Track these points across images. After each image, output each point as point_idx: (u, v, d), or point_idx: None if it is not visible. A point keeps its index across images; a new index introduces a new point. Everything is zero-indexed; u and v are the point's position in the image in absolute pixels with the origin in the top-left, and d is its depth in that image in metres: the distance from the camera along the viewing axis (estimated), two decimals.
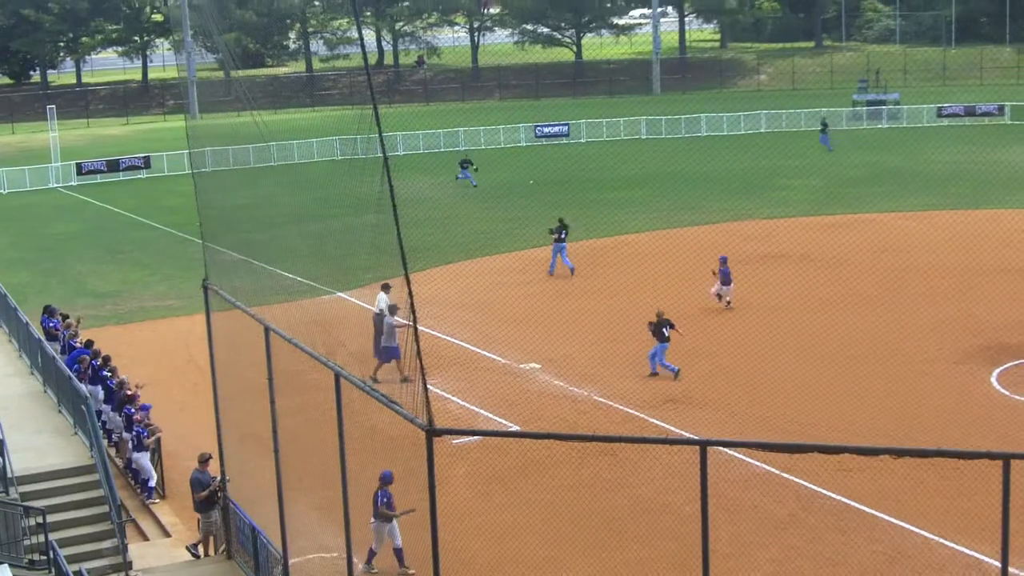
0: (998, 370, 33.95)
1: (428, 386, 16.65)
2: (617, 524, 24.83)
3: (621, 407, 31.93)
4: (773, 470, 27.13)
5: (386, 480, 23.17)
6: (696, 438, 20.54)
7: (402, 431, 18.17)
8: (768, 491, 26.40)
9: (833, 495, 26.09)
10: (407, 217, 16.12)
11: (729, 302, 40.83)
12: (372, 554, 23.20)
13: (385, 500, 22.95)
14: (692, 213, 57.98)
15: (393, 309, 34.25)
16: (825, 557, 23.53)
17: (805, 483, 26.58)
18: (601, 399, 32.62)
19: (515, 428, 30.69)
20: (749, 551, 23.50)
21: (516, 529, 24.04)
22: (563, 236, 47.89)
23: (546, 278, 46.29)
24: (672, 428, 30.04)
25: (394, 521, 22.92)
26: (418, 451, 16.63)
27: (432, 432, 16.38)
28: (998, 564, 14.99)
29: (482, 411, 32.19)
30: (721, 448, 24.64)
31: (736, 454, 26.91)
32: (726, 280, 40.72)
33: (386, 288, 35.16)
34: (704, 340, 36.36)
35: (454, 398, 33.06)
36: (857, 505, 25.57)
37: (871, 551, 23.70)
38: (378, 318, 34.90)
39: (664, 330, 34.23)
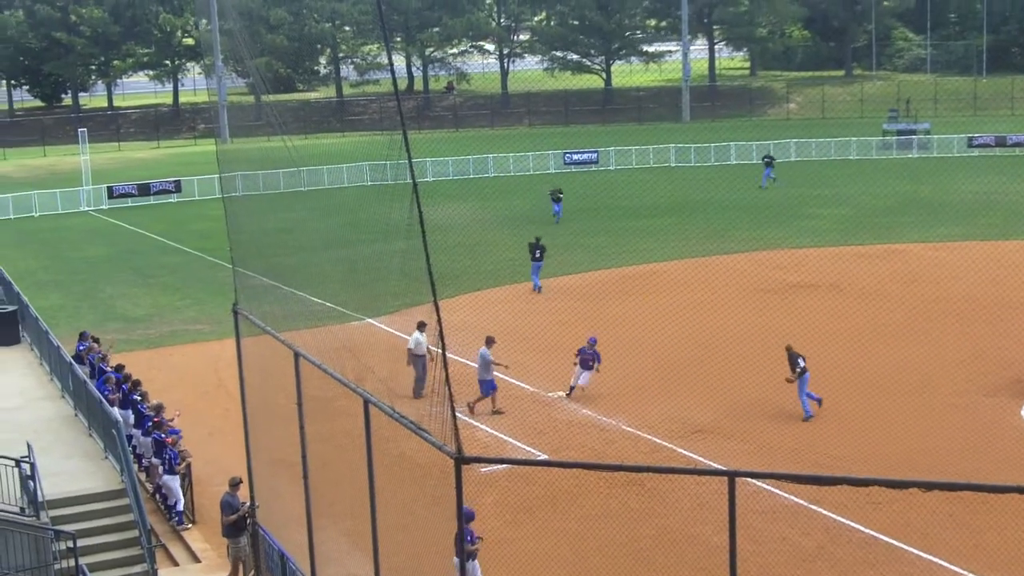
0: None
1: (456, 413, 16.71)
2: (644, 555, 24.81)
3: (649, 437, 31.92)
4: (801, 502, 27.06)
5: (468, 517, 22.99)
6: (724, 469, 20.56)
7: (431, 459, 18.17)
8: (796, 523, 26.35)
9: (861, 528, 26.00)
10: (436, 243, 16.19)
11: (582, 388, 35.38)
12: None
13: (469, 538, 22.70)
14: (721, 242, 57.99)
15: (490, 341, 34.67)
16: None
17: (833, 515, 26.51)
18: (629, 428, 32.61)
19: (543, 457, 30.71)
20: None
21: (544, 558, 24.03)
22: (538, 255, 49.18)
23: (575, 304, 46.26)
24: (700, 459, 30.01)
25: (475, 562, 22.64)
26: (446, 479, 16.65)
27: (461, 460, 16.40)
28: None
29: (511, 439, 32.23)
30: (749, 479, 24.65)
31: (764, 485, 26.89)
32: (587, 364, 35.26)
33: (421, 327, 35.29)
34: (732, 371, 36.31)
35: (482, 426, 33.12)
36: (885, 538, 25.47)
37: None
38: (413, 356, 35.06)
39: (799, 362, 33.61)
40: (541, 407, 34.60)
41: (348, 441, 20.59)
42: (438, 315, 16.08)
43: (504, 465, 28.19)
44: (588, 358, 35.13)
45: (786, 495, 27.23)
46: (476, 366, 34.44)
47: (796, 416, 33.01)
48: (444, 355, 17.56)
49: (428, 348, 34.75)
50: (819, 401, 33.44)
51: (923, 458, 29.32)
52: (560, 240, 59.28)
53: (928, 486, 16.53)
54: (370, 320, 41.51)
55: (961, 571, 23.95)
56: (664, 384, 35.78)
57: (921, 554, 24.70)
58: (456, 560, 22.45)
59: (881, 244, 56.97)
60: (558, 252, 55.21)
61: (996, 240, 54.38)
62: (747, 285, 47.30)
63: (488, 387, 34.45)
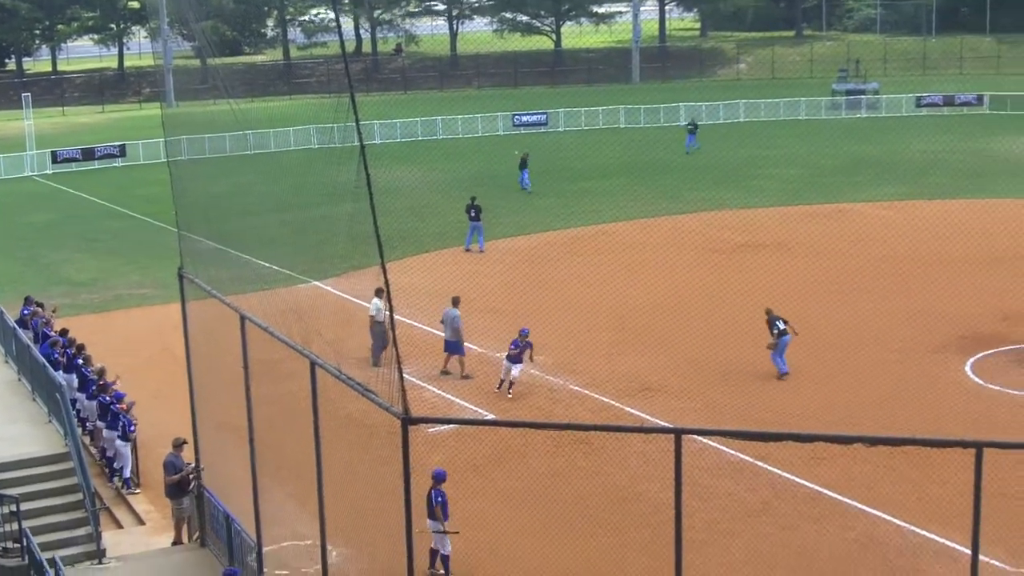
0: (972, 359, 34.10)
1: (404, 375, 16.70)
2: (591, 512, 24.88)
3: (597, 396, 32.00)
4: (747, 458, 27.23)
5: (439, 479, 22.96)
6: (671, 426, 20.63)
7: (378, 420, 18.19)
8: (742, 479, 26.52)
9: (806, 483, 26.20)
10: (383, 206, 16.12)
11: (511, 384, 32.58)
12: (434, 555, 23.05)
13: (440, 500, 22.73)
14: (670, 202, 58.08)
15: (456, 302, 34.61)
16: (798, 544, 23.65)
17: (779, 471, 26.69)
18: (577, 388, 32.67)
19: (491, 417, 30.75)
20: (722, 538, 23.59)
21: (490, 517, 24.05)
22: (474, 215, 49.52)
23: (523, 266, 46.17)
24: (647, 417, 30.12)
25: (444, 526, 22.77)
26: (393, 439, 16.68)
27: (408, 420, 16.43)
28: (969, 551, 15.08)
29: (458, 400, 32.25)
30: (696, 436, 24.78)
31: (710, 442, 27.01)
32: (518, 358, 32.64)
33: (380, 293, 35.11)
34: (681, 331, 36.39)
35: (430, 387, 33.11)
36: (830, 493, 25.69)
37: (843, 538, 23.83)
38: (375, 323, 34.84)
39: (778, 324, 33.60)
40: (489, 368, 34.59)
41: (295, 404, 20.54)
42: (385, 277, 16.08)
43: (451, 425, 28.19)
44: (519, 351, 32.53)
45: (732, 452, 27.39)
46: (427, 328, 34.38)
47: (743, 374, 33.18)
48: (392, 317, 17.55)
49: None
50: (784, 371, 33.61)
51: (869, 413, 29.53)
52: (508, 202, 59.25)
53: (872, 441, 16.68)
54: (317, 283, 41.31)
55: (904, 524, 24.19)
56: (612, 344, 35.89)
57: (865, 508, 24.92)
58: (430, 522, 22.53)
59: (829, 204, 57.20)
60: (506, 214, 55.19)
61: (943, 199, 54.70)
62: (696, 245, 47.40)
63: (455, 348, 34.36)
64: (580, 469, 27.11)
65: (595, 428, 24.76)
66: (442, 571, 22.98)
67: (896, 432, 23.34)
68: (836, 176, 65.16)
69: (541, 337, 36.03)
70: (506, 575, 22.82)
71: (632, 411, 30.65)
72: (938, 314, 37.49)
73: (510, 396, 32.07)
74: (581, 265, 45.66)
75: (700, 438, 25.96)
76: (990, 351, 34.76)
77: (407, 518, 16.41)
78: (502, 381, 32.64)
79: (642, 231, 51.56)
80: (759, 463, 27.08)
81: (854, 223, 52.12)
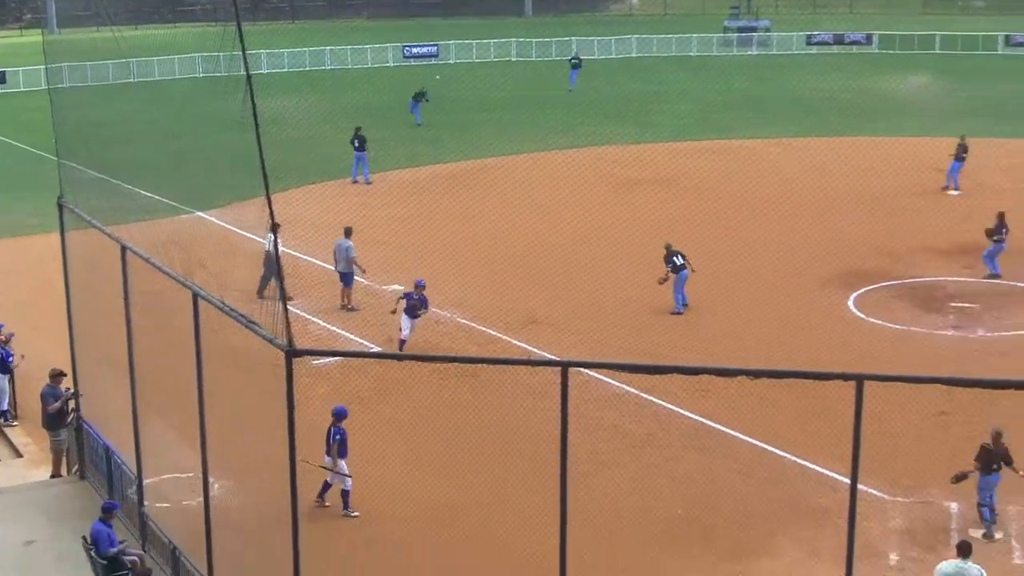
0: (855, 294, 34.58)
1: (288, 307, 16.50)
2: (477, 445, 24.81)
3: (484, 329, 31.96)
4: (633, 391, 27.39)
5: (339, 416, 22.85)
6: (557, 359, 20.61)
7: (262, 352, 17.94)
8: (627, 411, 26.68)
9: (691, 415, 26.43)
10: (270, 136, 15.86)
11: (403, 341, 30.81)
12: (326, 487, 22.94)
13: (339, 437, 22.64)
14: (562, 137, 57.97)
15: (348, 232, 34.27)
16: (682, 475, 23.86)
17: (664, 403, 26.89)
18: (464, 321, 32.60)
19: (376, 349, 30.59)
20: (607, 470, 23.70)
21: (376, 450, 23.90)
22: (358, 145, 49.27)
23: (411, 198, 45.90)
24: (534, 350, 30.15)
25: (343, 462, 22.69)
26: (277, 372, 16.47)
27: (292, 353, 16.27)
28: (848, 481, 15.28)
29: (343, 332, 32.05)
30: (582, 370, 24.81)
31: (597, 375, 27.08)
32: (414, 312, 30.90)
33: (276, 229, 34.42)
34: (569, 264, 36.47)
35: (315, 319, 32.84)
36: (714, 425, 25.94)
37: (727, 469, 24.07)
38: (269, 258, 34.24)
39: (675, 259, 33.70)
40: (375, 300, 34.39)
41: (177, 335, 20.21)
42: (270, 208, 15.89)
43: (336, 358, 28.00)
44: (415, 304, 30.84)
45: (618, 384, 27.51)
46: (312, 260, 34.06)
47: (633, 308, 33.33)
48: (276, 249, 17.32)
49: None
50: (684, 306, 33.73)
51: (754, 347, 29.82)
52: (398, 133, 58.80)
53: (755, 374, 16.79)
54: (200, 213, 40.72)
55: (786, 455, 24.51)
56: (500, 277, 35.81)
57: (748, 439, 25.20)
58: (327, 458, 22.36)
59: (720, 140, 57.52)
60: (395, 146, 54.77)
61: (830, 137, 55.23)
62: (587, 180, 47.36)
63: (348, 279, 34.07)
64: (466, 402, 27.04)
65: (481, 361, 24.81)
66: (328, 504, 22.92)
67: (780, 365, 23.60)
68: (726, 113, 65.51)
69: (427, 270, 35.88)
70: (391, 508, 22.72)
71: (519, 344, 30.67)
72: (823, 250, 37.89)
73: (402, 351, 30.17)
74: (470, 198, 45.47)
75: (587, 371, 25.99)
76: (872, 286, 35.27)
77: (291, 451, 16.25)
78: (403, 342, 30.52)
79: (532, 165, 51.43)
80: (645, 395, 27.25)
81: (744, 160, 52.46)
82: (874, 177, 45.78)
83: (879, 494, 22.67)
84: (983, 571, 18.05)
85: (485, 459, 24.29)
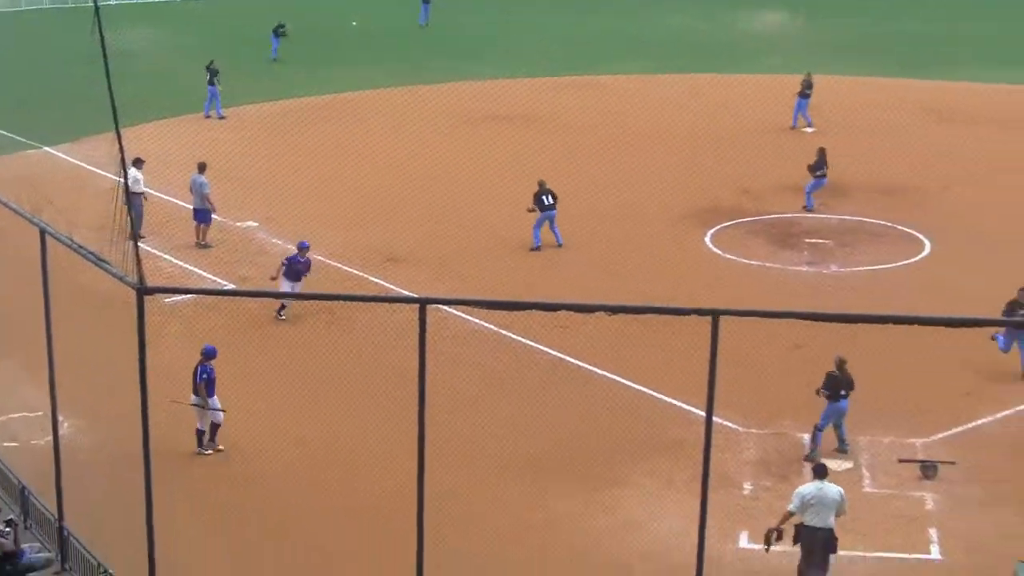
0: (711, 231, 34.93)
1: (139, 244, 16.16)
2: (335, 382, 24.67)
3: (341, 266, 31.66)
4: (492, 327, 27.39)
5: (208, 355, 22.43)
6: (415, 296, 20.49)
7: (113, 290, 17.60)
8: (487, 347, 26.68)
9: (550, 351, 26.52)
10: (120, 70, 15.45)
11: (281, 308, 28.71)
12: (201, 434, 22.55)
13: (205, 376, 22.28)
14: (418, 72, 57.41)
15: (202, 168, 33.59)
16: (540, 410, 23.87)
17: (523, 339, 26.94)
18: (320, 257, 32.22)
19: (230, 287, 30.15)
20: (468, 406, 23.66)
21: (228, 388, 23.58)
22: (210, 79, 48.56)
23: (265, 133, 45.15)
24: (394, 287, 29.99)
25: (215, 399, 22.38)
26: (128, 310, 16.16)
27: (143, 291, 15.97)
28: (702, 412, 15.46)
29: (197, 269, 31.55)
30: (441, 306, 24.75)
31: (456, 312, 27.02)
32: (297, 275, 28.57)
33: (138, 163, 33.68)
34: (427, 201, 36.30)
35: (167, 256, 32.27)
36: (574, 360, 26.07)
37: (586, 403, 24.19)
38: (132, 195, 33.36)
39: (544, 198, 33.49)
40: (232, 237, 33.89)
41: (25, 272, 19.71)
42: (120, 144, 15.47)
43: (189, 295, 27.54)
44: (299, 268, 28.68)
45: (477, 321, 27.49)
46: (164, 196, 33.44)
47: (492, 244, 33.29)
48: (127, 185, 16.94)
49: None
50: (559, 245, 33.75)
51: (613, 283, 29.96)
52: (253, 67, 57.82)
53: (614, 309, 16.88)
54: (48, 149, 39.74)
55: (644, 389, 24.74)
56: (357, 214, 35.48)
57: (608, 374, 25.40)
58: (194, 397, 21.97)
59: (579, 76, 57.37)
60: (250, 79, 53.82)
61: (690, 73, 55.56)
62: (444, 116, 47.06)
63: (203, 216, 33.45)
64: (323, 340, 26.85)
65: (339, 298, 24.54)
66: (209, 451, 22.61)
67: (638, 301, 23.79)
68: (586, 48, 65.30)
69: (282, 207, 35.53)
70: (249, 445, 22.50)
71: (377, 281, 30.46)
72: (680, 187, 38.21)
73: (283, 318, 28.65)
74: (324, 134, 44.87)
75: (445, 308, 25.93)
76: (728, 223, 35.66)
77: (142, 389, 15.95)
78: (283, 306, 28.72)
79: (388, 100, 50.98)
80: (504, 332, 27.27)
81: (603, 96, 52.52)
82: (730, 114, 46.25)
83: (734, 426, 23.02)
84: (842, 491, 18.48)
85: (344, 396, 24.17)
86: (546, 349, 26.56)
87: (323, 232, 33.93)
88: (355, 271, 31.28)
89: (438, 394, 21.35)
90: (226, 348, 23.70)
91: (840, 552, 18.49)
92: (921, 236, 34.23)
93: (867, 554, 18.66)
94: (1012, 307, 25.08)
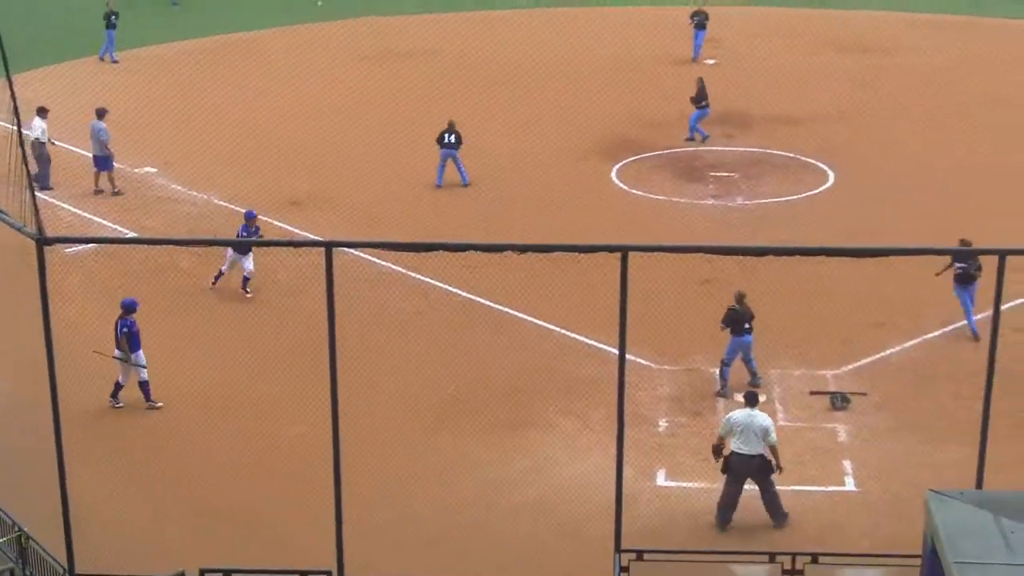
0: (617, 166, 34.83)
1: (40, 194, 15.73)
2: (242, 327, 24.36)
3: (243, 209, 31.14)
4: (400, 269, 27.14)
5: (127, 308, 21.90)
6: (320, 239, 20.16)
7: (10, 240, 17.13)
8: (395, 290, 26.43)
9: (460, 292, 26.33)
10: (6, 12, 14.93)
11: (246, 279, 26.67)
12: (119, 387, 22.08)
13: (126, 330, 21.75)
14: (314, 9, 56.47)
15: (101, 113, 32.85)
16: (451, 352, 23.75)
17: (432, 281, 26.72)
18: (222, 202, 31.75)
19: (132, 235, 29.59)
20: (377, 348, 23.46)
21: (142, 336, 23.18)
22: (108, 21, 47.64)
23: (163, 76, 44.23)
24: (298, 230, 29.58)
25: (140, 353, 21.88)
26: (28, 261, 15.74)
27: (42, 241, 15.57)
28: (615, 350, 15.38)
29: (96, 218, 30.92)
30: (347, 249, 24.42)
31: (363, 255, 26.72)
32: (245, 248, 26.29)
33: (42, 113, 32.82)
34: (330, 140, 35.81)
35: (66, 206, 31.59)
36: (483, 301, 25.90)
37: (497, 344, 24.11)
38: (38, 144, 32.49)
39: (447, 137, 33.20)
40: (128, 183, 33.22)
41: None
42: (12, 91, 14.97)
43: (90, 245, 26.95)
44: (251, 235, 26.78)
45: (385, 263, 27.22)
46: (63, 145, 32.71)
47: (397, 184, 32.94)
48: (20, 133, 16.46)
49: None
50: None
51: (520, 222, 29.67)
52: (149, 6, 56.63)
53: (522, 249, 16.73)
54: None
55: (556, 328, 24.67)
56: (259, 156, 34.87)
57: (519, 314, 25.27)
58: (118, 351, 21.48)
59: (479, 11, 56.66)
60: (145, 21, 52.69)
61: (590, 7, 55.23)
62: (344, 53, 46.42)
63: (103, 164, 32.71)
64: (229, 287, 26.45)
65: (242, 243, 24.17)
66: (121, 404, 22.18)
67: (546, 239, 23.56)
68: None
69: (182, 151, 34.89)
70: (157, 397, 22.13)
71: (281, 225, 30.02)
72: (586, 121, 37.97)
73: (249, 295, 26.70)
74: (223, 75, 44.00)
75: (352, 250, 25.62)
76: (633, 157, 35.59)
77: (47, 342, 15.57)
78: (220, 274, 26.78)
79: (285, 39, 50.13)
80: (412, 273, 27.03)
81: (504, 30, 51.90)
82: (633, 46, 46.02)
83: (647, 363, 23.03)
84: (771, 421, 18.71)
85: (251, 341, 23.88)
86: (456, 290, 26.37)
87: (224, 176, 33.42)
88: (260, 215, 30.73)
89: (348, 339, 21.16)
90: (131, 294, 23.20)
91: (755, 486, 18.58)
92: (824, 167, 34.40)
93: (782, 488, 18.72)
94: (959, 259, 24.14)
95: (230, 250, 26.39)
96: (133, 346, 21.89)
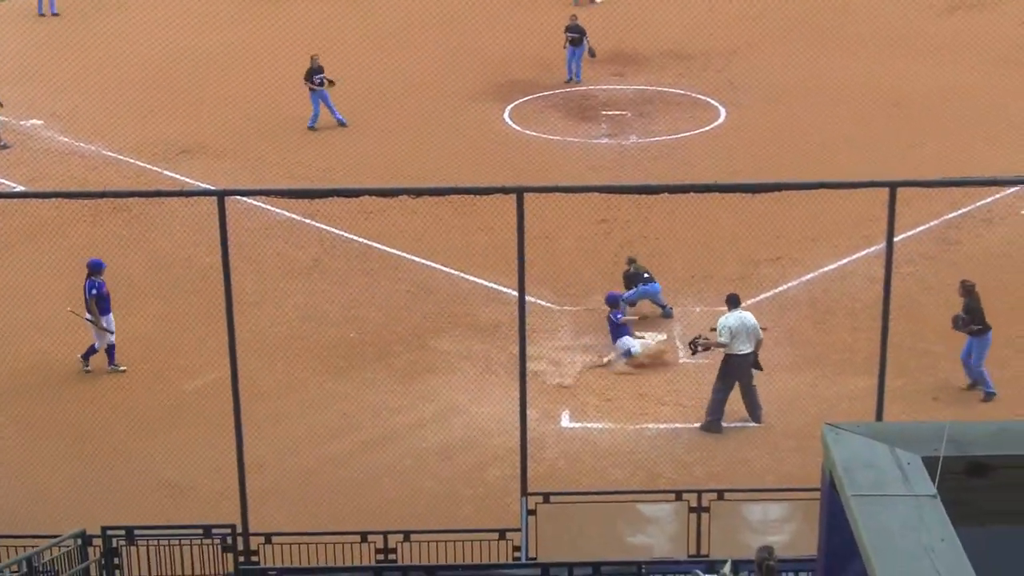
0: (510, 106, 34.62)
1: None
2: (136, 281, 23.96)
3: (133, 161, 30.62)
4: (295, 216, 26.83)
5: (93, 268, 21.20)
6: (213, 188, 19.84)
7: None
8: (291, 238, 26.16)
9: (356, 238, 26.12)
10: None
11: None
12: (92, 351, 21.42)
13: (95, 292, 21.05)
14: None
15: None
16: (351, 299, 23.59)
17: (328, 228, 26.46)
18: (111, 153, 31.13)
19: (20, 188, 28.93)
20: (274, 298, 23.23)
21: (32, 293, 22.71)
22: None
23: (40, 25, 43.13)
24: (189, 180, 29.10)
25: (109, 316, 21.20)
26: None
27: None
28: (515, 293, 15.30)
29: None
30: (240, 198, 24.11)
31: (256, 203, 26.37)
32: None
33: None
34: (216, 86, 35.19)
35: None
36: (380, 246, 25.71)
37: (396, 289, 23.97)
38: None
39: (316, 78, 32.66)
40: (12, 137, 32.44)
41: None
42: None
43: None
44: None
45: (279, 211, 26.89)
46: None
47: (287, 129, 32.50)
48: None
49: None
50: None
51: (414, 164, 29.37)
52: None
53: (417, 192, 16.63)
54: None
55: (454, 271, 24.55)
56: (145, 104, 34.17)
57: (415, 258, 25.12)
58: (89, 315, 20.87)
59: None
60: None
61: None
62: None
63: None
64: (121, 238, 25.96)
65: (133, 195, 23.83)
66: (124, 368, 21.55)
67: (442, 182, 23.46)
68: None
69: (68, 102, 34.15)
70: (55, 354, 21.71)
71: (172, 175, 29.51)
72: (477, 61, 37.65)
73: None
74: (104, 23, 42.90)
75: (245, 199, 25.27)
76: (526, 97, 35.37)
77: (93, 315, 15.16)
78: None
79: None
80: (308, 221, 26.72)
81: None
82: None
83: (547, 304, 23.00)
84: (753, 316, 19.48)
85: (148, 295, 23.56)
86: (352, 236, 26.14)
87: (112, 124, 32.68)
88: (149, 166, 30.24)
89: (245, 289, 20.99)
90: (17, 254, 22.77)
91: (661, 424, 18.73)
92: (715, 103, 34.48)
93: (689, 425, 18.89)
94: None
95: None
96: (103, 309, 21.22)
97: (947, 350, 20.89)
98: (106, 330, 21.35)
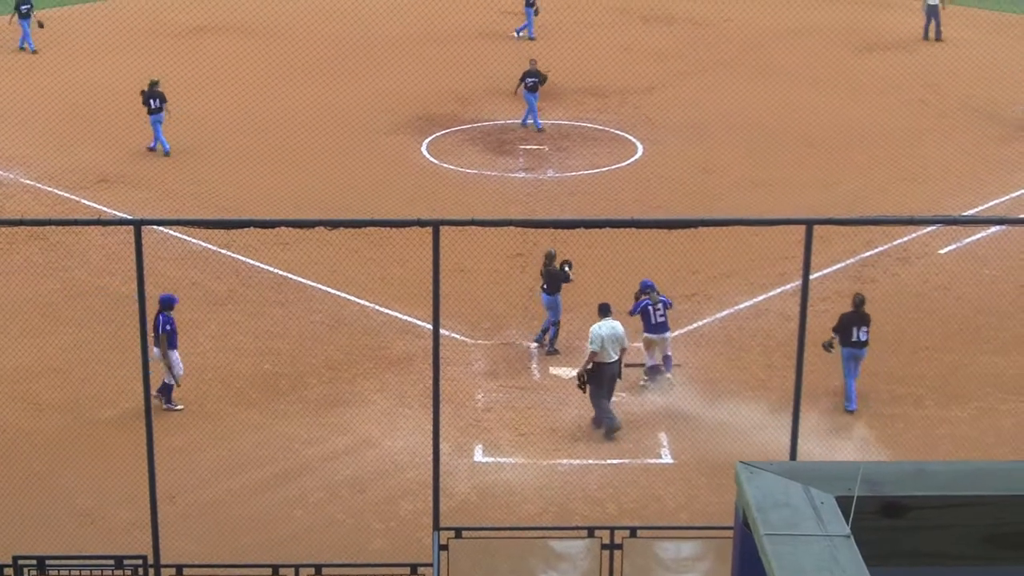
0: (427, 140, 34.75)
1: None
2: (51, 309, 23.79)
3: (51, 189, 30.39)
4: (212, 247, 26.76)
5: (165, 304, 20.68)
6: (130, 218, 19.78)
7: None
8: (207, 268, 26.06)
9: (272, 268, 26.07)
10: None
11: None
12: (169, 389, 20.89)
13: (168, 327, 20.63)
14: None
15: None
16: (265, 329, 23.55)
17: (244, 258, 26.39)
18: (29, 181, 30.86)
19: None
20: (189, 328, 23.09)
21: None
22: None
23: None
24: (106, 209, 28.92)
25: (175, 352, 20.77)
26: None
27: None
28: (429, 326, 15.35)
29: None
30: (157, 227, 24.02)
31: (173, 232, 26.27)
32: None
33: None
34: (131, 119, 34.99)
35: None
36: (295, 277, 25.67)
37: (310, 321, 23.96)
38: None
39: (152, 102, 32.76)
40: None
41: None
42: None
43: None
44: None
45: (196, 240, 26.82)
46: None
47: (203, 159, 32.35)
48: None
49: None
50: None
51: (329, 197, 29.40)
52: None
53: (333, 224, 16.57)
54: None
55: (368, 304, 24.58)
56: (65, 134, 33.99)
57: (330, 290, 25.13)
58: (155, 350, 20.41)
59: None
60: None
61: None
62: (145, 28, 45.46)
63: None
64: (36, 266, 25.79)
65: (51, 223, 23.42)
66: (180, 407, 21.04)
67: (358, 215, 23.51)
68: None
69: None
70: None
71: (89, 204, 29.31)
72: (395, 95, 37.87)
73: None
74: (22, 55, 42.61)
75: (162, 228, 25.17)
76: (443, 131, 35.54)
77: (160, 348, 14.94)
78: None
79: (90, 15, 48.71)
80: (223, 251, 26.65)
81: (313, 4, 51.32)
82: (442, 20, 45.81)
83: (462, 338, 23.09)
84: (621, 326, 20.25)
85: (59, 322, 23.35)
86: (268, 267, 26.09)
87: (30, 153, 32.50)
88: (66, 194, 30.03)
89: None
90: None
91: (574, 460, 18.82)
92: (632, 138, 34.85)
93: (601, 461, 19.01)
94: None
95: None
96: (170, 344, 20.84)
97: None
98: (173, 365, 20.92)
